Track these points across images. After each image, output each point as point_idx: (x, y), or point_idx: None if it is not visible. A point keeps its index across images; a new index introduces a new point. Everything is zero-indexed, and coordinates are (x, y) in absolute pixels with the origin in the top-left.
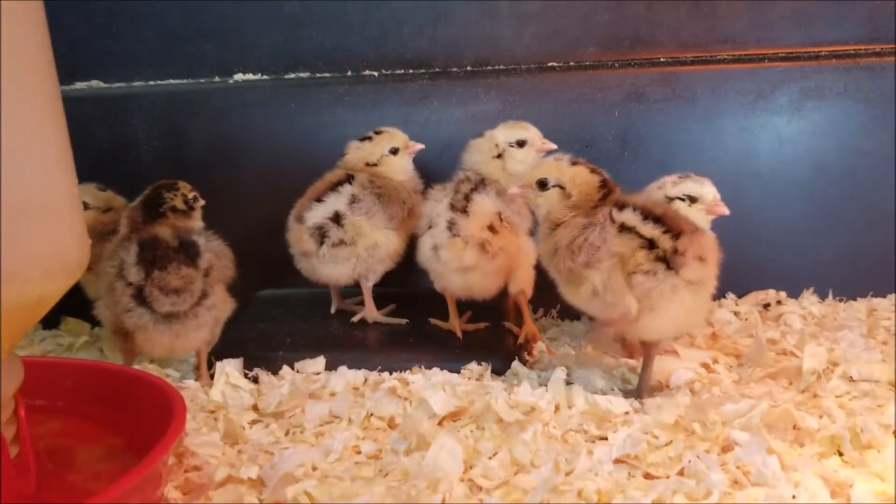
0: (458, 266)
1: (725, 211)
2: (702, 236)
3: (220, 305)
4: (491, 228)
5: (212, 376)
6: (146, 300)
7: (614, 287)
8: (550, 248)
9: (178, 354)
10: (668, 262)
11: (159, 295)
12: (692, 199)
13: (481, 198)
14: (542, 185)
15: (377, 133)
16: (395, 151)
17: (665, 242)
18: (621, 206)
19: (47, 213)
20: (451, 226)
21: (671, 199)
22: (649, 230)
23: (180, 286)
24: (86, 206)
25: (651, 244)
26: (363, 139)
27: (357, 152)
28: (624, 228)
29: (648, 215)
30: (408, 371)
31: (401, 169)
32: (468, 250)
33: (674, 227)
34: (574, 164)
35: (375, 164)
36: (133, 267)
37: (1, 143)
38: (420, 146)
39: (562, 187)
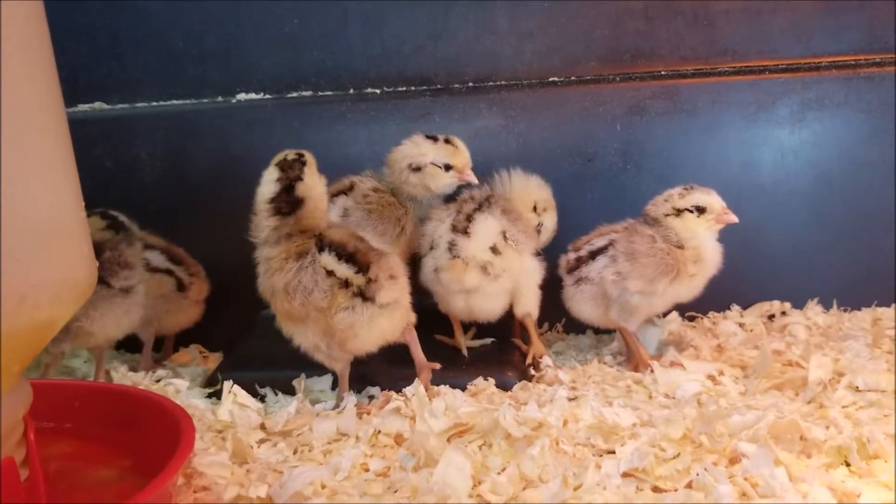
0: (459, 288)
1: (734, 219)
2: (389, 258)
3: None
4: (494, 249)
5: (218, 393)
6: (101, 278)
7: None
8: (265, 271)
9: (124, 332)
10: (364, 294)
11: (118, 269)
12: (700, 210)
13: (484, 217)
14: None
15: (447, 141)
16: (448, 168)
17: (358, 280)
18: (321, 246)
19: (55, 236)
20: (451, 247)
21: (680, 211)
22: (344, 271)
23: (134, 261)
24: None
25: (347, 283)
26: (429, 137)
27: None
28: (328, 273)
29: (342, 254)
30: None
31: (440, 185)
32: (469, 272)
33: (364, 262)
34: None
35: (419, 169)
36: None
37: (9, 167)
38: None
39: None
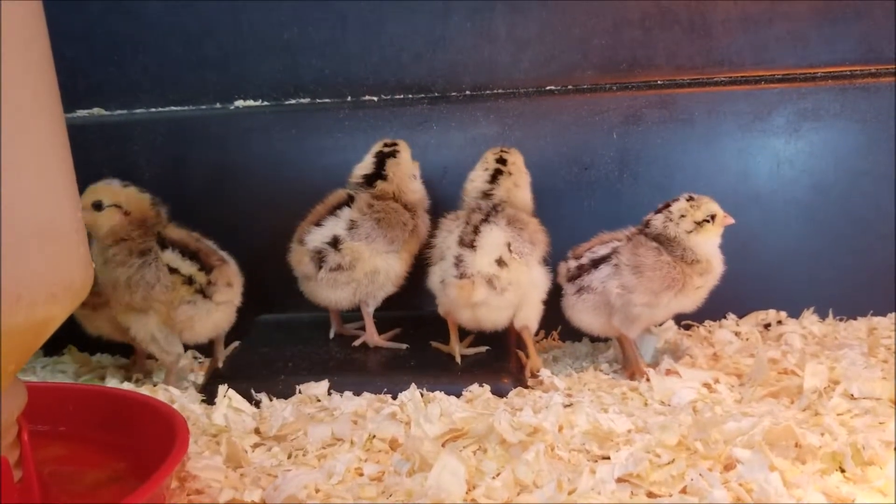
0: (467, 303)
1: (732, 220)
2: (228, 266)
3: None
4: (500, 262)
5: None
6: None
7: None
8: (109, 271)
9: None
10: (204, 292)
11: None
12: (713, 218)
13: (490, 229)
14: (97, 206)
15: (393, 143)
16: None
17: (201, 278)
18: (163, 244)
19: (52, 236)
20: (458, 262)
21: (700, 223)
22: (188, 268)
23: None
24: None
25: (190, 280)
26: (392, 154)
27: (400, 168)
28: (170, 270)
29: (185, 252)
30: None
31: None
32: (476, 288)
33: (207, 263)
34: (126, 185)
35: (414, 176)
36: None
37: (7, 167)
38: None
39: (119, 206)
